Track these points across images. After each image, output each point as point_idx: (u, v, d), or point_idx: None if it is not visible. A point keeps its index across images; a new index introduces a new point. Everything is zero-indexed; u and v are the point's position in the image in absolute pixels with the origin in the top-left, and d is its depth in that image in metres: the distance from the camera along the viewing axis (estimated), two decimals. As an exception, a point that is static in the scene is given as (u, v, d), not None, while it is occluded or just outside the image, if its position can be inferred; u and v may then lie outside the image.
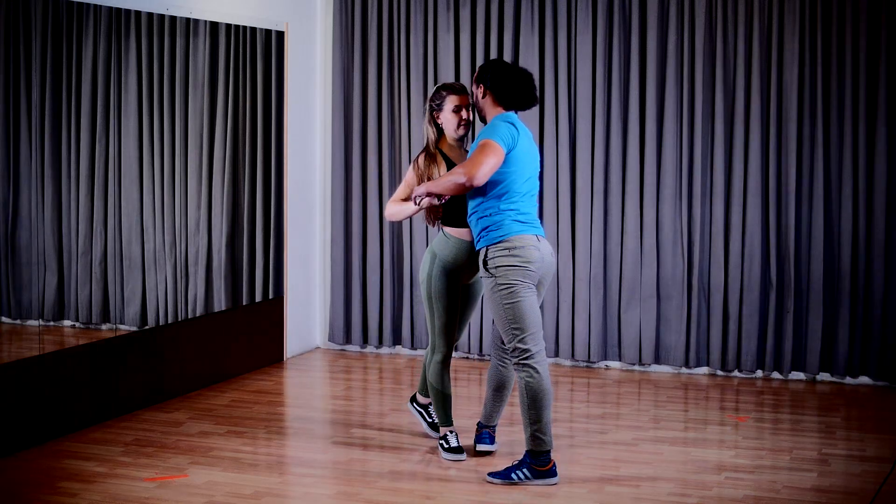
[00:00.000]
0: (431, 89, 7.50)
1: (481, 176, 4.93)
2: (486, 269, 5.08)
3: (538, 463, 5.06)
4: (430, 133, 5.43)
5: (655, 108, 7.16)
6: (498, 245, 5.05)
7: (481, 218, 5.11)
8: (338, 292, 7.83)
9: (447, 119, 5.37)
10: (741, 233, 7.06)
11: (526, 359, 5.01)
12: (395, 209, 5.43)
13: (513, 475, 5.08)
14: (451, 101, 5.36)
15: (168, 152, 6.52)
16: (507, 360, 5.37)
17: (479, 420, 5.63)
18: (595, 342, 7.34)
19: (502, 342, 5.32)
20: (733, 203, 7.07)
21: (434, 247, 5.39)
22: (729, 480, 5.13)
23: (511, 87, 5.12)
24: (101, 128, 6.10)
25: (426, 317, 5.45)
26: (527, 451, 5.09)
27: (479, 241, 5.13)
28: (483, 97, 5.18)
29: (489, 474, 5.14)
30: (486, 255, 5.08)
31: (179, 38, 6.54)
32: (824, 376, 7.07)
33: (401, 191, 5.46)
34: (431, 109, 5.41)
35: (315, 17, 7.78)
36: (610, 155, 7.27)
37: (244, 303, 7.18)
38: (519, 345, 5.01)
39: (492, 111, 5.17)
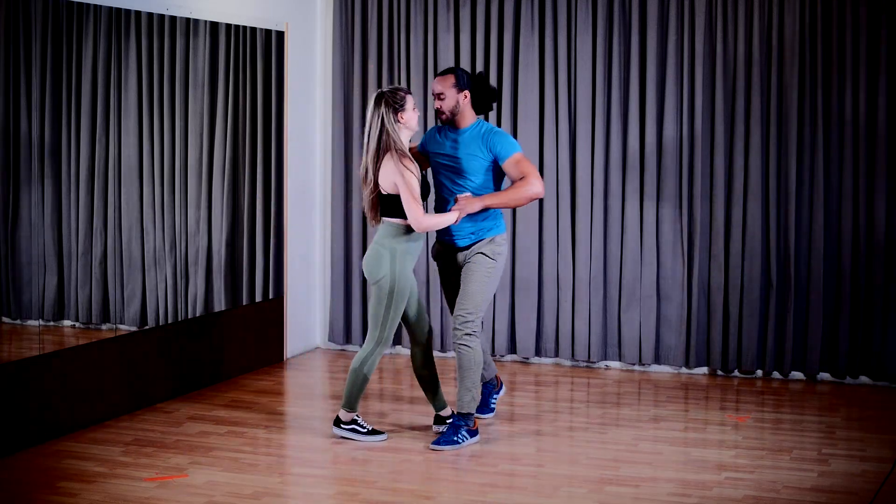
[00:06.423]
0: (431, 89, 7.53)
1: None
2: (486, 255, 5.66)
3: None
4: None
5: (655, 108, 7.16)
6: (500, 236, 5.72)
7: (487, 216, 5.67)
8: (338, 292, 7.83)
9: (412, 117, 5.63)
10: (741, 233, 7.06)
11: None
12: (437, 220, 5.58)
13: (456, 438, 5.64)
14: (411, 100, 5.64)
15: (168, 152, 6.52)
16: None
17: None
18: (595, 342, 7.34)
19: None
20: (733, 203, 7.07)
21: (385, 241, 5.56)
22: (729, 480, 5.13)
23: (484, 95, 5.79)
24: (101, 128, 6.10)
25: (377, 311, 5.60)
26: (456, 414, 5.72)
27: (479, 232, 5.67)
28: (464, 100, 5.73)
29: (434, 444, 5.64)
30: (488, 244, 5.67)
31: (179, 38, 6.54)
32: (824, 376, 7.07)
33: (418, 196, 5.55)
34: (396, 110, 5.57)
35: (315, 17, 7.79)
36: (610, 155, 7.27)
37: (244, 303, 7.18)
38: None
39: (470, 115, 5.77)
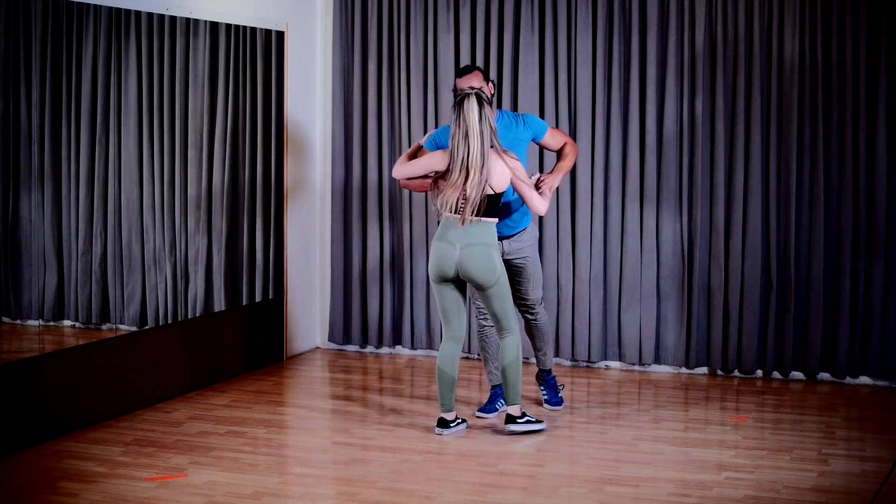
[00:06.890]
0: (431, 89, 7.53)
1: None
2: (534, 245, 6.08)
3: None
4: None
5: (655, 108, 7.16)
6: (530, 226, 6.10)
7: (521, 204, 5.96)
8: (338, 292, 7.83)
9: None
10: (741, 233, 7.05)
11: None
12: (547, 202, 5.84)
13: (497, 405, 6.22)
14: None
15: (168, 152, 6.52)
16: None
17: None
18: (595, 342, 7.34)
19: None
20: (734, 203, 7.06)
21: (490, 240, 5.67)
22: (729, 480, 5.13)
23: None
24: (101, 128, 6.10)
25: (503, 305, 5.76)
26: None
27: (517, 225, 5.99)
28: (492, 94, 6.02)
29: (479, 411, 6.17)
30: (531, 232, 6.08)
31: (179, 38, 6.54)
32: (824, 376, 7.07)
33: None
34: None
35: (315, 18, 7.78)
36: (610, 155, 7.27)
37: (244, 303, 7.18)
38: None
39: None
